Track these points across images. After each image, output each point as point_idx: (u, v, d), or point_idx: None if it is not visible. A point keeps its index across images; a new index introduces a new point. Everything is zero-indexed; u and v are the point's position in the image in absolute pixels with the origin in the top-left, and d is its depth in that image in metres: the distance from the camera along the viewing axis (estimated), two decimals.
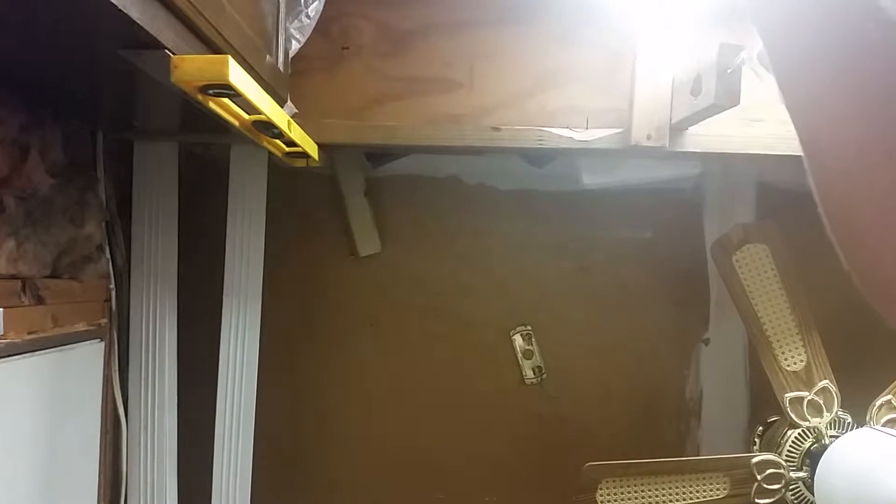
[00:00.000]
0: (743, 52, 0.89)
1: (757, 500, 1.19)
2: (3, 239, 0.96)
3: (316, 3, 1.04)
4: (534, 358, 1.47)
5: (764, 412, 1.33)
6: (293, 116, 1.09)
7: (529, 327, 1.47)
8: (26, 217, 1.01)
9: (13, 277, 0.98)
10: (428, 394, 1.48)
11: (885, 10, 0.36)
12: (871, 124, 0.36)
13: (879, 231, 0.37)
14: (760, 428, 1.31)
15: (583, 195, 1.43)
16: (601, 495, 1.18)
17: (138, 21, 0.63)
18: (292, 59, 1.07)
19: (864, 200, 0.37)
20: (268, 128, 0.90)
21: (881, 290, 0.38)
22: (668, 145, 1.09)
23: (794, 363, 1.20)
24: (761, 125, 1.11)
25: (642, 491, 1.18)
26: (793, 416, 1.19)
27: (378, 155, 1.43)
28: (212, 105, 0.76)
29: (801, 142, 0.41)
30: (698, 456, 1.45)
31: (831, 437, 1.19)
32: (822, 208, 0.41)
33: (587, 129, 1.15)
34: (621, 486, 1.18)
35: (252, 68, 0.88)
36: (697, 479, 1.18)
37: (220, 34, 0.79)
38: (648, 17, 1.07)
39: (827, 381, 1.20)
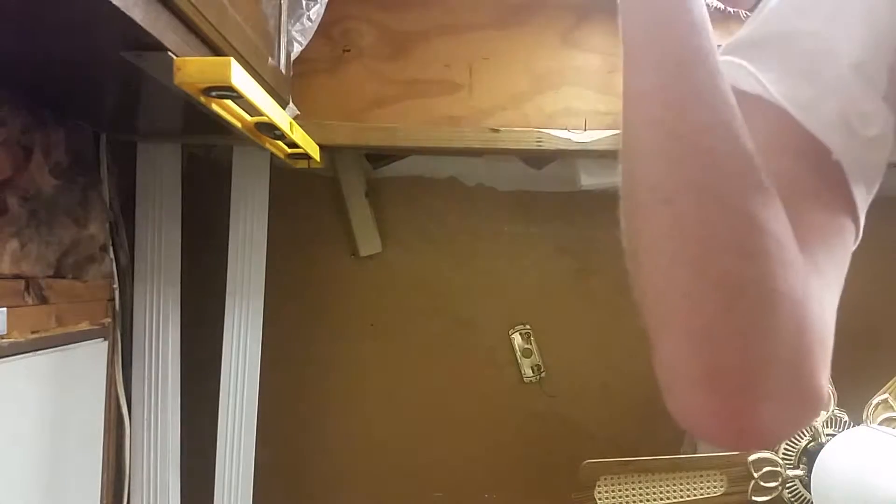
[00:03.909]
0: None
1: (754, 498, 1.19)
2: (7, 239, 0.96)
3: (317, 6, 1.05)
4: (533, 357, 1.48)
5: None
6: (295, 118, 1.10)
7: (528, 326, 1.48)
8: (30, 217, 1.01)
9: (17, 277, 0.99)
10: (428, 392, 1.48)
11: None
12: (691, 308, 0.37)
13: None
14: None
15: (581, 196, 1.43)
16: (599, 492, 1.18)
17: (141, 23, 0.64)
18: (294, 61, 1.08)
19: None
20: (270, 129, 0.90)
21: (680, 408, 0.39)
22: None
23: None
24: None
25: (640, 488, 1.18)
26: None
27: (378, 156, 1.44)
28: (214, 107, 0.77)
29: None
30: (695, 454, 1.46)
31: (828, 435, 1.19)
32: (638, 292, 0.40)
33: (585, 130, 1.15)
34: (619, 484, 1.18)
35: (254, 70, 0.88)
36: (694, 476, 1.19)
37: (223, 36, 0.79)
38: None
39: None
